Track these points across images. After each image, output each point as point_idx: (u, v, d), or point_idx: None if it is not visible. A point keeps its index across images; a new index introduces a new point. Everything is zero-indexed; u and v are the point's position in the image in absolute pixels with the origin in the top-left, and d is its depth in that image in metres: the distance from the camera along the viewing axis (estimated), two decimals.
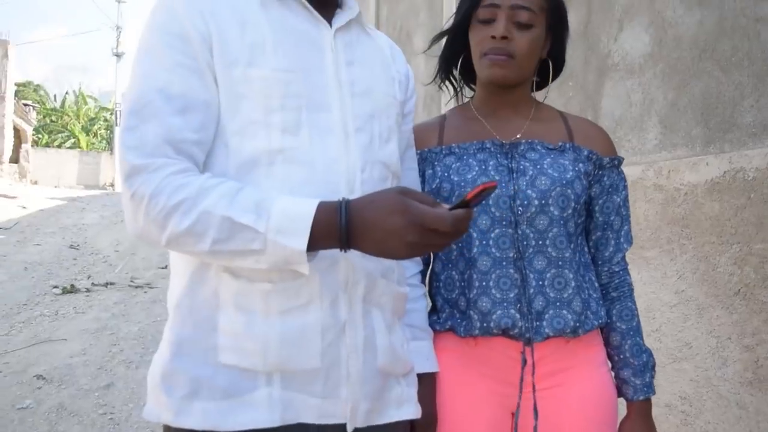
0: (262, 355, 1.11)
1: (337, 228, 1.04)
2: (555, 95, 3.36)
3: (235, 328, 1.12)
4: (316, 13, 1.24)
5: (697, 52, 2.54)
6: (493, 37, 1.42)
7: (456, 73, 1.61)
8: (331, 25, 1.26)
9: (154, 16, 1.17)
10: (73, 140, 34.90)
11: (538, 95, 1.60)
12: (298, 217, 1.04)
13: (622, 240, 1.53)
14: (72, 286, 7.10)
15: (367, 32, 1.37)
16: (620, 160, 1.53)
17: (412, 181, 1.44)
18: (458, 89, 1.64)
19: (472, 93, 1.65)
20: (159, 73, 1.12)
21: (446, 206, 1.03)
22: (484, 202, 1.37)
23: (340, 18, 1.28)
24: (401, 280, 1.31)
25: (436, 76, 1.62)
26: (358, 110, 1.23)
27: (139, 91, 1.12)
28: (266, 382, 1.12)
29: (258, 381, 1.12)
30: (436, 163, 1.48)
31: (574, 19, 3.28)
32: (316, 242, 1.04)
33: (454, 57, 1.57)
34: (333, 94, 1.21)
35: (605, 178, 1.50)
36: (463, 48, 1.54)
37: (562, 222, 1.40)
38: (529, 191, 1.39)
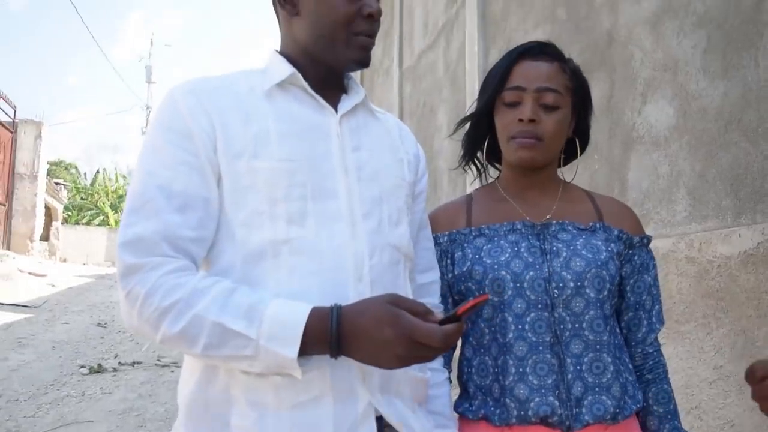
0: None
1: (328, 335, 1.03)
2: (580, 169, 3.35)
3: (246, 425, 1.10)
4: (321, 100, 1.26)
5: (722, 124, 2.53)
6: (521, 120, 1.42)
7: (481, 155, 1.60)
8: (336, 111, 1.27)
9: (158, 113, 1.20)
10: (102, 217, 35.46)
11: (567, 173, 1.59)
12: (289, 324, 1.04)
13: (654, 320, 1.49)
14: (99, 365, 7.08)
15: (374, 115, 1.38)
16: (649, 239, 1.51)
17: (428, 262, 1.42)
18: (482, 170, 1.63)
19: (495, 171, 1.65)
20: (160, 171, 1.14)
21: (438, 316, 1.04)
22: (518, 285, 1.36)
23: (346, 103, 1.29)
24: (422, 366, 1.28)
25: (460, 160, 1.61)
26: (365, 195, 1.23)
27: (140, 189, 1.14)
28: None
29: None
30: (466, 244, 1.46)
31: (597, 93, 3.30)
32: (308, 348, 1.04)
33: (480, 139, 1.57)
34: (339, 180, 1.21)
35: (635, 258, 1.48)
36: (488, 130, 1.54)
37: (598, 304, 1.37)
38: (564, 273, 1.37)
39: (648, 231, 2.85)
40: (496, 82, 1.47)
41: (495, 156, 1.60)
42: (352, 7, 1.23)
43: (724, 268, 2.43)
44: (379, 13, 1.26)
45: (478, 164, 1.62)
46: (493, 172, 1.64)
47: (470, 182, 4.94)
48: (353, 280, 1.16)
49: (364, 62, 1.28)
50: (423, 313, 1.03)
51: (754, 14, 2.38)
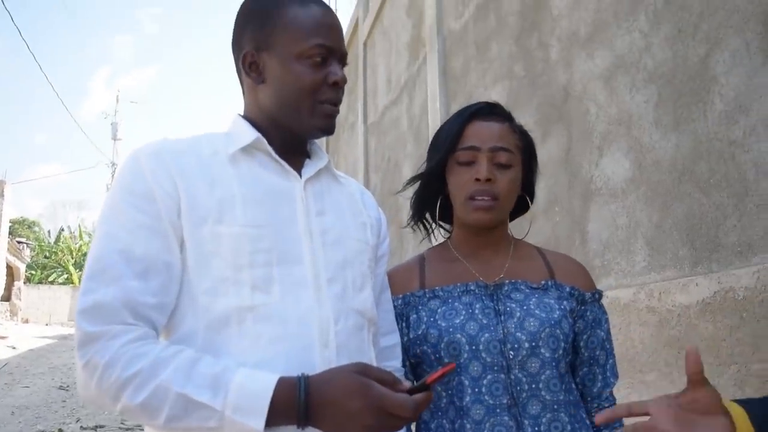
0: None
1: (296, 406, 1.02)
2: (542, 221, 3.40)
3: None
4: (286, 165, 1.26)
5: (676, 175, 2.60)
6: (477, 180, 1.43)
7: (429, 215, 1.60)
8: (300, 176, 1.27)
9: (121, 175, 1.18)
10: (66, 276, 34.80)
11: (516, 228, 1.60)
12: (256, 395, 1.02)
13: (608, 374, 1.49)
14: (60, 431, 6.87)
15: (337, 180, 1.38)
16: (601, 294, 1.52)
17: (390, 325, 1.42)
18: (431, 230, 1.63)
19: (443, 230, 1.65)
20: (121, 235, 1.11)
21: (406, 384, 1.04)
22: (473, 348, 1.36)
23: (310, 168, 1.30)
24: None
25: (409, 219, 1.61)
26: (330, 260, 1.23)
27: (99, 253, 1.11)
28: None
29: None
30: (420, 307, 1.45)
31: (555, 146, 3.38)
32: (274, 419, 1.02)
33: (430, 199, 1.58)
34: (304, 245, 1.21)
35: (588, 313, 1.48)
36: (440, 189, 1.55)
37: (554, 363, 1.37)
38: (518, 334, 1.36)
39: (609, 281, 2.89)
40: (448, 142, 1.49)
41: (444, 214, 1.61)
42: (318, 75, 1.24)
43: (684, 317, 2.46)
44: (344, 81, 1.26)
45: (427, 224, 1.63)
46: (441, 231, 1.65)
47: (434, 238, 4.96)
48: (319, 346, 1.15)
49: (328, 130, 1.28)
50: (391, 382, 1.02)
51: (701, 70, 2.47)
